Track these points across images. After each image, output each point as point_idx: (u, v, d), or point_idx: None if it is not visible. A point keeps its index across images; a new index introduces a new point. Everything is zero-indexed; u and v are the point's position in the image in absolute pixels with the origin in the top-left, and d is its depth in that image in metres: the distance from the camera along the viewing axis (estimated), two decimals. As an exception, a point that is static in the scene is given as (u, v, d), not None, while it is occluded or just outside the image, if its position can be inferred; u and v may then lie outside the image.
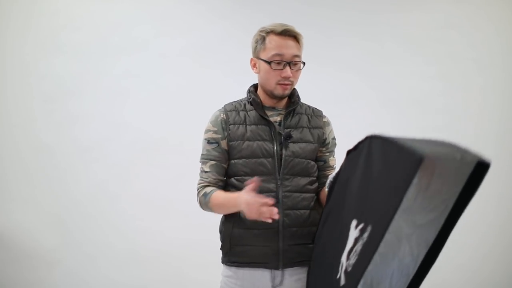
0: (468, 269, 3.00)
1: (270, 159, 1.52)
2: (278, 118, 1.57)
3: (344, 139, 1.70)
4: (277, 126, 1.55)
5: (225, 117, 1.57)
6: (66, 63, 3.05)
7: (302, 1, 3.11)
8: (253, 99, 1.58)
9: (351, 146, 1.30)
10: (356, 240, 1.16)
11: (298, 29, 1.54)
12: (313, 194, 1.57)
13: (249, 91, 1.62)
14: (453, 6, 3.15)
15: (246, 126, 1.55)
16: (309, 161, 1.57)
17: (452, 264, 2.91)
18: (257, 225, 1.46)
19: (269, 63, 1.50)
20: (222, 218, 1.61)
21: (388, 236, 1.18)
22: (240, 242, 1.51)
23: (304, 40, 1.55)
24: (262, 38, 1.52)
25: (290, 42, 1.50)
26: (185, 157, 2.54)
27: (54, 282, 2.96)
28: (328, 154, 1.63)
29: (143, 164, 3.03)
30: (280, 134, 1.54)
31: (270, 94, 1.56)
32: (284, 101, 1.61)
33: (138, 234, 2.98)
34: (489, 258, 3.02)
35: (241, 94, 1.67)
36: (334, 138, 1.67)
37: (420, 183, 1.14)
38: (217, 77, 3.06)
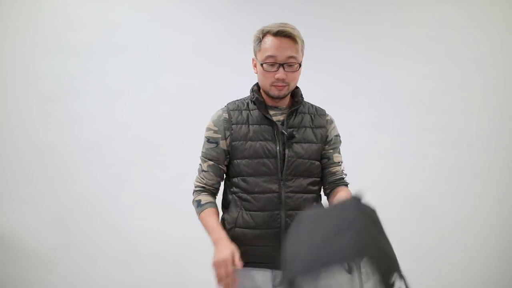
0: (470, 269, 3.00)
1: (272, 160, 1.51)
2: (281, 118, 1.56)
3: (344, 138, 1.71)
4: (279, 126, 1.54)
5: (227, 117, 1.56)
6: (66, 63, 3.05)
7: (302, 1, 3.10)
8: (256, 98, 1.57)
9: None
10: None
11: (298, 28, 1.52)
12: (315, 195, 1.57)
13: (252, 90, 1.61)
14: (454, 6, 3.15)
15: (248, 126, 1.54)
16: (313, 161, 1.55)
17: (454, 264, 2.92)
18: (259, 225, 1.47)
19: (262, 64, 1.49)
20: (222, 218, 1.60)
21: None
22: (242, 242, 1.50)
23: (305, 39, 1.53)
24: (258, 39, 1.52)
25: (285, 43, 1.47)
26: (185, 157, 2.53)
27: (54, 282, 2.96)
28: (331, 151, 1.62)
29: (143, 164, 3.02)
30: (283, 134, 1.53)
31: (268, 95, 1.56)
32: (287, 100, 1.60)
33: (138, 234, 2.98)
34: (491, 258, 3.01)
35: (242, 94, 1.66)
36: (337, 135, 1.65)
37: None
38: (217, 77, 3.05)
